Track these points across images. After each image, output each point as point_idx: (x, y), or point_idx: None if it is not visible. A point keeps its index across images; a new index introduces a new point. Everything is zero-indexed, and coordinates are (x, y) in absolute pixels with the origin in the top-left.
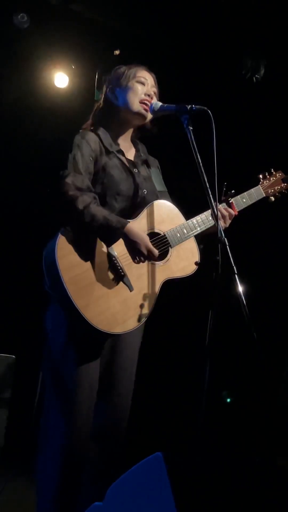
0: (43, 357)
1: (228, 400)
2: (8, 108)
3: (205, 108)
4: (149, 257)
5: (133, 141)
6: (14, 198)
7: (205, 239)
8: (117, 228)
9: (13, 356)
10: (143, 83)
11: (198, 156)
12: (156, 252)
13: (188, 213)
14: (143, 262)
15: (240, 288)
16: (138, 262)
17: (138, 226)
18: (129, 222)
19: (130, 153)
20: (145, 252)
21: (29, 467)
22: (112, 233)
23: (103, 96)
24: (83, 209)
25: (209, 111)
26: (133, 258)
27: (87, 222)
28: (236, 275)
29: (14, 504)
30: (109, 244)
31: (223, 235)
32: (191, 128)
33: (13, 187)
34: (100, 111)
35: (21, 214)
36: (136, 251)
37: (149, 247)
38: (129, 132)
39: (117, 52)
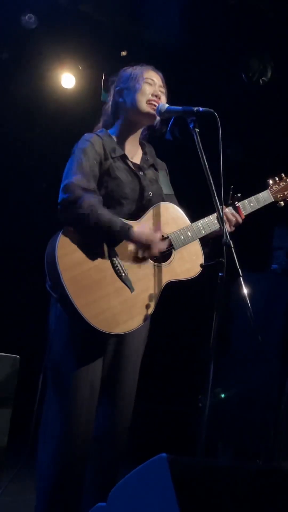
0: (45, 356)
1: (223, 395)
2: (15, 108)
3: (212, 110)
4: (157, 248)
5: (141, 143)
6: (19, 197)
7: (210, 243)
8: (121, 232)
9: (18, 356)
10: (150, 84)
11: (205, 158)
12: (161, 245)
13: (195, 217)
14: (154, 254)
15: (245, 290)
16: (149, 256)
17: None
18: (132, 226)
19: (137, 156)
20: (155, 247)
21: (31, 467)
22: (116, 236)
23: (111, 97)
24: (88, 211)
25: (216, 113)
26: (143, 255)
27: (92, 223)
28: (241, 278)
29: (16, 504)
30: (112, 245)
31: (228, 237)
32: (198, 130)
33: (17, 185)
34: (108, 113)
35: (25, 213)
36: (145, 248)
37: (155, 239)
38: (137, 134)
39: (124, 53)
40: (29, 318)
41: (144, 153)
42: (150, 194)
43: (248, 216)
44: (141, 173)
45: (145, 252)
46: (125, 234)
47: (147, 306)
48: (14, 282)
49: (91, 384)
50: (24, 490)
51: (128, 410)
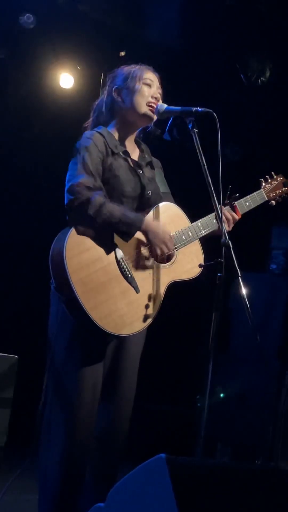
0: (47, 357)
1: (222, 395)
2: (13, 109)
3: (210, 110)
4: (168, 248)
5: (137, 142)
6: (17, 197)
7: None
8: (136, 220)
9: (16, 356)
10: (149, 85)
11: (203, 159)
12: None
13: (193, 217)
14: (165, 253)
15: (244, 291)
16: (161, 253)
17: None
18: (145, 216)
19: (135, 154)
20: (168, 243)
21: (32, 467)
22: (130, 225)
23: (106, 95)
24: (99, 208)
25: (214, 114)
26: (155, 249)
27: (104, 220)
28: (240, 278)
29: (17, 504)
30: (126, 239)
31: (227, 237)
32: (196, 130)
33: (18, 186)
34: (102, 110)
35: (24, 213)
36: (160, 241)
37: (169, 237)
38: (134, 133)
39: (122, 53)
40: (29, 318)
41: (141, 151)
42: (149, 192)
43: (247, 216)
44: (140, 171)
45: (155, 247)
46: (139, 223)
47: (152, 307)
48: (13, 281)
49: (93, 385)
50: (27, 490)
51: (128, 410)
